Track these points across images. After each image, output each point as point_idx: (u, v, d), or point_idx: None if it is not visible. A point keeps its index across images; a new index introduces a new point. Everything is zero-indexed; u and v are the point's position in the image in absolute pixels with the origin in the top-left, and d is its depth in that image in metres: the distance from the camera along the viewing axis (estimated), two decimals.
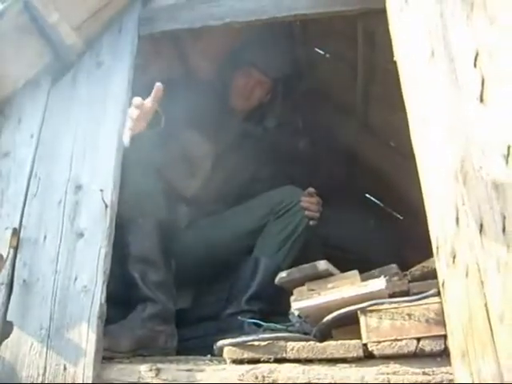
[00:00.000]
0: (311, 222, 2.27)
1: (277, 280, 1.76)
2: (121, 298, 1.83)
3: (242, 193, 2.43)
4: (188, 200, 2.40)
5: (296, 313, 1.57)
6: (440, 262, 1.34)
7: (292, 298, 1.61)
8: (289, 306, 1.63)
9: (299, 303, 1.57)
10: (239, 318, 1.99)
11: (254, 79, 2.48)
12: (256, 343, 1.49)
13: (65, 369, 1.48)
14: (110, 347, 1.63)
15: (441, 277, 1.34)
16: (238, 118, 2.56)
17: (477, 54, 0.95)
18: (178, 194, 2.31)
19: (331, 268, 1.72)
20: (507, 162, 0.85)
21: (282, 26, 2.30)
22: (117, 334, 1.71)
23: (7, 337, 1.55)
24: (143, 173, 1.95)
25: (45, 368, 1.49)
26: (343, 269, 1.73)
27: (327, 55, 2.87)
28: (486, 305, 1.01)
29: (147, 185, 1.97)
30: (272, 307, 2.10)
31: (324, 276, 1.68)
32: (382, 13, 1.79)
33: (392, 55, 1.68)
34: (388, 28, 1.72)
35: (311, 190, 2.32)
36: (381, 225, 3.00)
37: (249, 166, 2.60)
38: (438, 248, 1.36)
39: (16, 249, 1.67)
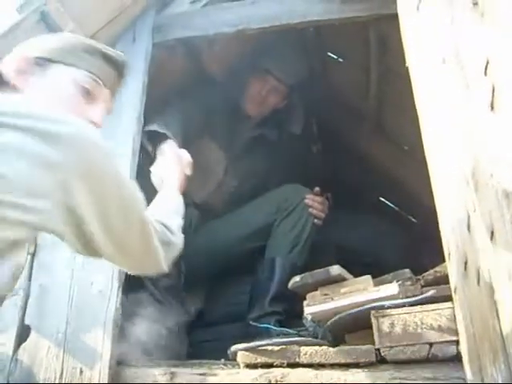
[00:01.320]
0: (316, 221, 2.28)
1: (290, 285, 1.77)
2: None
3: (254, 197, 2.44)
4: (199, 204, 2.41)
5: (309, 317, 1.58)
6: (452, 267, 1.34)
7: (305, 302, 1.63)
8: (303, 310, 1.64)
9: (312, 308, 1.59)
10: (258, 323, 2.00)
11: (268, 85, 2.50)
12: (269, 348, 1.51)
13: (81, 372, 1.51)
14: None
15: (453, 283, 1.34)
16: (251, 123, 2.57)
17: (487, 62, 0.95)
18: (190, 199, 2.33)
19: (344, 273, 1.73)
20: None
21: (295, 32, 2.31)
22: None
23: (25, 340, 1.58)
24: None
25: (62, 371, 1.52)
26: (356, 273, 1.74)
27: (340, 60, 2.88)
28: (497, 312, 1.01)
29: None
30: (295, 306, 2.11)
31: (337, 281, 1.69)
32: (394, 18, 1.80)
33: (404, 59, 1.69)
34: (400, 33, 1.73)
35: (317, 189, 2.33)
36: (395, 228, 3.00)
37: (261, 170, 2.62)
38: (449, 254, 1.36)
39: (33, 254, 1.70)
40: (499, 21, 0.94)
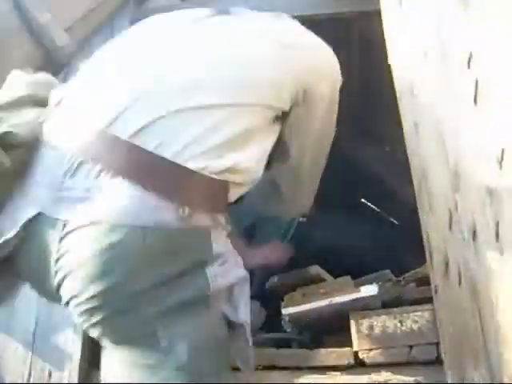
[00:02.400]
0: (301, 219, 2.24)
1: (267, 285, 1.74)
2: None
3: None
4: None
5: (286, 318, 1.54)
6: (433, 268, 1.31)
7: (283, 303, 1.59)
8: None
9: (290, 309, 1.55)
10: None
11: None
12: None
13: (50, 375, 1.46)
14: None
15: (434, 283, 1.32)
16: None
17: (471, 55, 0.92)
18: None
19: (323, 273, 1.70)
20: (501, 166, 0.83)
21: None
22: None
23: None
24: None
25: (29, 373, 1.46)
26: (337, 273, 1.71)
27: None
28: (479, 312, 0.98)
29: None
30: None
31: (315, 281, 1.66)
32: (377, 14, 1.77)
33: (387, 56, 1.67)
34: (382, 29, 1.71)
35: None
36: (376, 230, 2.98)
37: None
38: (430, 254, 1.34)
39: None
40: (484, 14, 0.91)
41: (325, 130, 1.41)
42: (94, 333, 1.05)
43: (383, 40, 1.69)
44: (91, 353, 1.52)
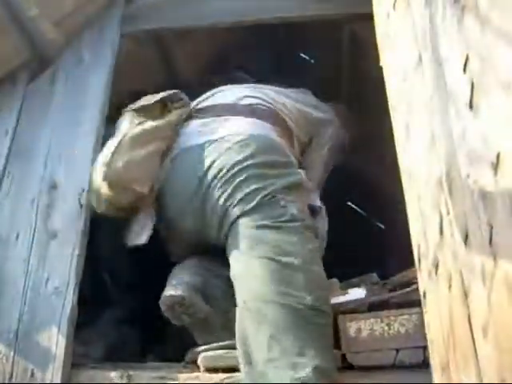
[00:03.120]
0: None
1: None
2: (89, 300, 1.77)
3: None
4: None
5: None
6: (422, 271, 1.31)
7: None
8: None
9: None
10: None
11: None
12: (231, 351, 1.45)
13: (32, 374, 1.43)
14: (83, 354, 1.58)
15: (422, 287, 1.31)
16: None
17: (467, 59, 0.92)
18: None
19: None
20: (496, 170, 0.82)
21: (266, 28, 2.26)
22: (89, 340, 1.65)
23: None
24: None
25: (11, 373, 1.44)
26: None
27: (311, 60, 2.85)
28: (469, 317, 0.98)
29: None
30: None
31: None
32: (368, 18, 1.77)
33: (377, 60, 1.66)
34: (373, 33, 1.71)
35: None
36: (363, 233, 2.98)
37: None
38: (419, 257, 1.33)
39: None
40: (481, 16, 0.90)
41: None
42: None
43: (375, 42, 1.69)
44: (75, 353, 1.50)
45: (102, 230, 1.81)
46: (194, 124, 1.74)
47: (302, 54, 2.83)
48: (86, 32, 2.04)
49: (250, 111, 1.77)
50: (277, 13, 2.01)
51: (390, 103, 1.56)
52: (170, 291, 1.53)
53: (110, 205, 1.56)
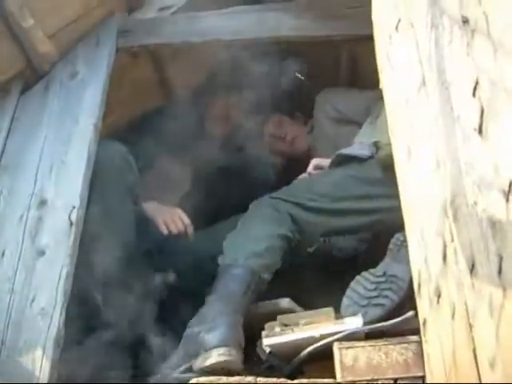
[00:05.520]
0: None
1: None
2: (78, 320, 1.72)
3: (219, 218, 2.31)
4: None
5: (268, 350, 1.48)
6: (422, 299, 1.27)
7: (263, 333, 1.52)
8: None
9: (271, 339, 1.49)
10: None
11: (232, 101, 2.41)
12: (223, 379, 1.40)
13: None
14: (68, 376, 1.52)
15: (422, 315, 1.27)
16: (216, 144, 2.48)
17: (476, 83, 0.90)
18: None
19: (294, 306, 1.67)
20: (508, 198, 0.79)
21: (264, 46, 2.25)
22: (77, 362, 1.59)
23: None
24: (118, 192, 1.85)
25: None
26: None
27: (308, 80, 2.84)
28: (474, 350, 0.94)
29: (117, 203, 1.86)
30: None
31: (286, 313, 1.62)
32: (367, 40, 1.76)
33: (375, 82, 1.65)
34: (373, 55, 1.69)
35: None
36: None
37: (224, 194, 2.50)
38: (419, 283, 1.30)
39: None
40: (493, 39, 0.88)
41: None
42: None
43: (374, 63, 1.67)
44: (60, 377, 1.44)
45: (95, 249, 1.77)
46: None
47: (298, 74, 2.82)
48: (82, 45, 2.02)
49: None
50: (276, 32, 2.00)
51: (389, 126, 1.53)
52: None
53: None
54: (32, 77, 1.94)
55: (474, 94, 0.91)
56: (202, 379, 1.42)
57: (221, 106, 2.43)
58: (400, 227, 1.42)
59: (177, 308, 1.96)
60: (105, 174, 1.79)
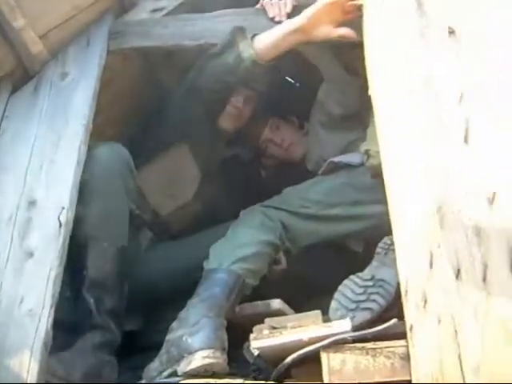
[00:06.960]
0: None
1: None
2: (68, 323, 1.71)
3: (216, 223, 2.30)
4: (156, 224, 2.25)
5: (256, 352, 1.48)
6: (409, 305, 1.28)
7: (251, 335, 1.53)
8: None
9: (259, 342, 1.49)
10: None
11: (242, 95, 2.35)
12: (211, 382, 1.41)
13: None
14: (62, 376, 1.51)
15: (409, 320, 1.29)
16: (224, 141, 2.46)
17: (463, 93, 0.91)
18: (143, 220, 2.16)
19: (285, 308, 1.67)
20: (492, 206, 0.81)
21: None
22: (69, 362, 1.58)
23: None
24: (113, 194, 1.84)
25: None
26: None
27: (297, 84, 2.85)
28: (459, 355, 0.96)
29: (116, 207, 1.85)
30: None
31: (277, 315, 1.63)
32: (357, 46, 1.77)
33: (365, 89, 1.66)
34: (363, 62, 1.70)
35: None
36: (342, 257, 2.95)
37: (229, 196, 2.49)
38: (406, 290, 1.31)
39: None
40: (477, 50, 0.90)
41: None
42: None
43: (364, 71, 1.68)
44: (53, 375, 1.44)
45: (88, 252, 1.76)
46: None
47: (287, 78, 2.83)
48: (73, 46, 2.01)
49: None
50: None
51: (378, 133, 1.54)
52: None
53: None
54: (22, 77, 1.93)
55: (460, 104, 0.93)
56: (189, 381, 1.42)
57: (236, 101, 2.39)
58: (390, 232, 1.43)
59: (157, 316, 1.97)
60: (105, 177, 1.79)
